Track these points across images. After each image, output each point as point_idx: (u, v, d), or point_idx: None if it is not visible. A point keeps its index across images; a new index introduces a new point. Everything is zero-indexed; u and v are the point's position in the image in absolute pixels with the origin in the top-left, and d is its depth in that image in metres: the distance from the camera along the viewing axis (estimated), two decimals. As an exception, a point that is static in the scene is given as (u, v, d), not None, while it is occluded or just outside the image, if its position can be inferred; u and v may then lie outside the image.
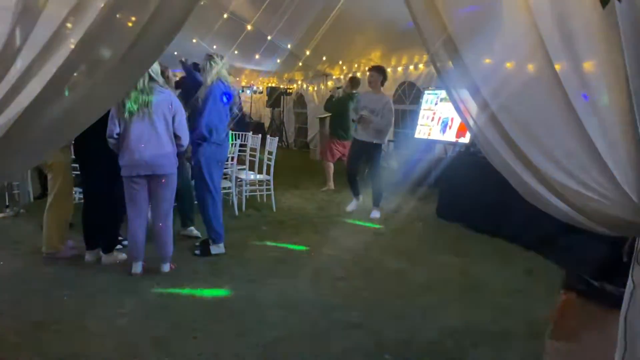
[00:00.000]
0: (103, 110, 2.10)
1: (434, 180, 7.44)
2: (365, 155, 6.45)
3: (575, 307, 2.50)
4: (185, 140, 4.24)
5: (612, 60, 1.51)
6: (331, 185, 8.26)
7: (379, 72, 6.43)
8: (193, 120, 4.65)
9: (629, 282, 1.74)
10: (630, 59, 1.45)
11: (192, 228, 5.39)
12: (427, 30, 1.84)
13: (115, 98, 1.98)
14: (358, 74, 11.21)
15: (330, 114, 8.61)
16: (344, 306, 3.67)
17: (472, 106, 1.85)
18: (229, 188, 6.30)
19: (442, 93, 7.68)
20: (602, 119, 1.59)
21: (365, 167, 6.81)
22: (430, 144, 7.91)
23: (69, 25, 1.39)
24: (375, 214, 6.42)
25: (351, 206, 6.77)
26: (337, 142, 8.12)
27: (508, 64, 1.80)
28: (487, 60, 1.83)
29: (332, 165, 8.28)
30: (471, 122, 1.92)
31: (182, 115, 4.20)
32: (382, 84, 6.46)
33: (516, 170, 1.84)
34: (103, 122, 3.91)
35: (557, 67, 1.59)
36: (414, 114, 8.56)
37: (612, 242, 3.70)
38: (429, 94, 7.94)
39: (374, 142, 6.34)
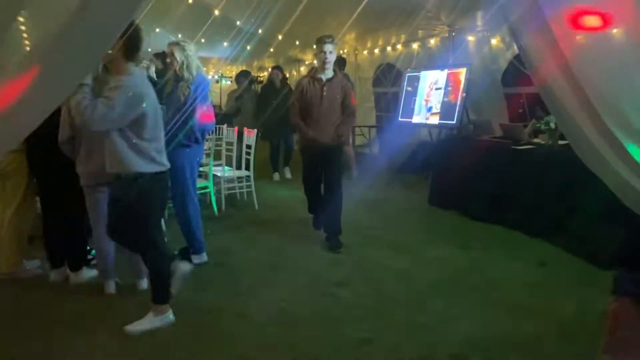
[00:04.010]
0: (52, 102, 1.61)
1: (421, 165, 7.12)
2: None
3: (631, 314, 2.15)
4: None
5: None
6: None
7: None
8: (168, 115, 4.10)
9: None
10: None
11: None
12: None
13: (64, 87, 1.51)
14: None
15: None
16: (349, 318, 3.27)
17: (564, 92, 1.46)
18: (206, 187, 5.81)
19: (425, 74, 7.33)
20: None
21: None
22: (414, 127, 7.56)
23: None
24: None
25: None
26: None
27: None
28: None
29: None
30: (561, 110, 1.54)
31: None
32: None
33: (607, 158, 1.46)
34: (57, 124, 3.40)
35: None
36: (395, 96, 8.19)
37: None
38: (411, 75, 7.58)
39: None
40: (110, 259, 3.70)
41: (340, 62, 7.74)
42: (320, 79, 4.51)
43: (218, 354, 2.89)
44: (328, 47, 4.41)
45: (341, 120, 4.57)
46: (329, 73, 4.52)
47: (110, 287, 3.71)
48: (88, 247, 4.11)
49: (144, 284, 3.76)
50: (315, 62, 5.47)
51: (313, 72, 4.60)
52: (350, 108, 4.62)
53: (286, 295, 3.65)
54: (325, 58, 4.41)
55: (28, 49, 1.13)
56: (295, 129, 5.40)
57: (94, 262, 4.09)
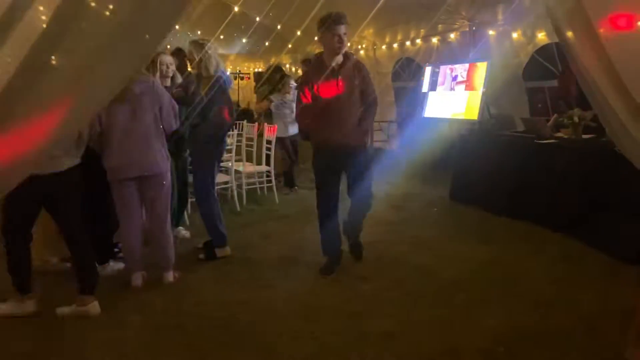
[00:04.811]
0: (103, 99, 1.65)
1: (442, 161, 7.08)
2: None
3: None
4: (169, 130, 3.82)
5: None
6: None
7: None
8: (186, 112, 4.16)
9: None
10: None
11: (180, 228, 4.96)
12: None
13: (117, 84, 1.55)
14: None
15: None
16: (371, 312, 3.29)
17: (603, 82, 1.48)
18: (228, 182, 5.87)
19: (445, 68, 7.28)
20: None
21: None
22: (435, 123, 7.52)
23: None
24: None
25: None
26: None
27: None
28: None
29: None
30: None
31: (168, 103, 3.77)
32: None
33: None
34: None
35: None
36: (415, 91, 8.15)
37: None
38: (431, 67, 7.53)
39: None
40: (137, 252, 3.78)
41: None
42: (332, 68, 3.74)
43: (244, 344, 2.94)
44: (342, 29, 3.60)
45: (362, 112, 3.85)
46: (339, 59, 3.75)
47: (137, 280, 3.79)
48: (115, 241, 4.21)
49: (170, 277, 3.84)
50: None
51: (320, 61, 3.81)
52: (370, 94, 3.91)
53: (309, 288, 3.69)
54: (340, 42, 3.62)
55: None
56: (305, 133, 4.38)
57: (120, 255, 4.19)
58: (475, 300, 3.40)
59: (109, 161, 3.60)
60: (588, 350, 2.76)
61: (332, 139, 3.77)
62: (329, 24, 3.60)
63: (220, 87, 4.13)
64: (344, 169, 3.95)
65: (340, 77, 3.73)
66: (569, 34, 1.81)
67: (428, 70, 7.60)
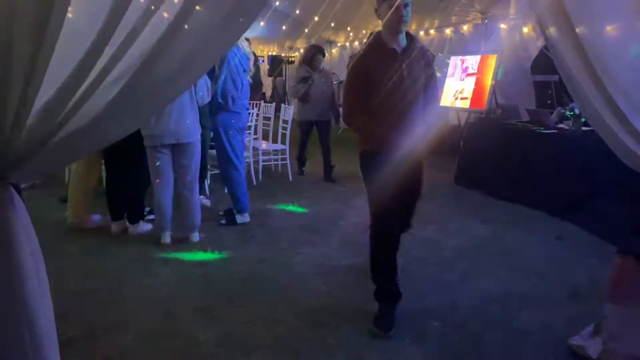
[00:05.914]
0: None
1: (449, 149, 7.40)
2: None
3: (633, 270, 2.48)
4: (202, 103, 4.17)
5: None
6: None
7: None
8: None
9: None
10: None
11: (201, 197, 5.31)
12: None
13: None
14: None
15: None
16: (380, 273, 3.65)
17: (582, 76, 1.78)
18: (247, 157, 6.22)
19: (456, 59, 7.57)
20: None
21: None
22: (445, 111, 7.82)
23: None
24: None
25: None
26: None
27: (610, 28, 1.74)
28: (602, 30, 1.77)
29: None
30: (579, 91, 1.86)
31: (202, 77, 4.07)
32: None
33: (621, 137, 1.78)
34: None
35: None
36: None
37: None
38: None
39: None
40: (167, 213, 4.14)
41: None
42: (394, 51, 2.84)
43: (266, 294, 3.31)
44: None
45: (424, 112, 2.94)
46: (403, 39, 2.86)
47: (166, 237, 4.16)
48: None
49: (196, 237, 4.21)
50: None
51: (380, 42, 2.86)
52: (435, 91, 3.03)
53: (324, 252, 4.05)
54: (402, 15, 2.73)
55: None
56: (357, 130, 3.07)
57: (148, 217, 4.57)
58: (474, 268, 3.76)
59: (147, 129, 3.94)
60: (572, 312, 3.11)
61: (392, 144, 2.78)
62: None
63: (228, 62, 4.40)
64: (403, 187, 2.87)
65: (404, 65, 2.83)
66: (551, 31, 2.04)
67: (440, 60, 7.88)
